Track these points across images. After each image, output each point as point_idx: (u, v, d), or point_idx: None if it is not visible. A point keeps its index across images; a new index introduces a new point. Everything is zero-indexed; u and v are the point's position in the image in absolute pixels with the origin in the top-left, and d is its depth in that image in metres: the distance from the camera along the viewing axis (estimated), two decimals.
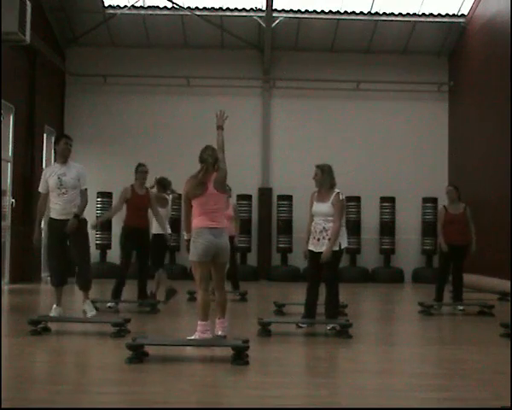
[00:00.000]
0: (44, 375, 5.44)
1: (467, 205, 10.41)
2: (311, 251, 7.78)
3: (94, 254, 16.36)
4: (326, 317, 7.67)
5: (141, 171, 9.63)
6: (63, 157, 8.23)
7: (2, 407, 4.10)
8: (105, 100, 17.13)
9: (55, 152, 8.66)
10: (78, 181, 8.12)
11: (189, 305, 10.46)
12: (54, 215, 8.19)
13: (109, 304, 9.45)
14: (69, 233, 7.97)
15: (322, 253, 7.59)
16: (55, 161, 17.10)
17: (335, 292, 7.69)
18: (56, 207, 8.12)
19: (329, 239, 7.58)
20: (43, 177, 8.23)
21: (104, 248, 16.32)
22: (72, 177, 8.10)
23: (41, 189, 8.23)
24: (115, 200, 10.07)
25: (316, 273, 7.80)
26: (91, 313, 8.00)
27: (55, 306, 8.13)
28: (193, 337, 6.47)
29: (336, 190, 7.86)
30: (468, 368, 5.83)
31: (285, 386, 5.06)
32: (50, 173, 8.16)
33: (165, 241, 9.85)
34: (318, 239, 7.69)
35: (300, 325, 7.77)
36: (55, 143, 8.49)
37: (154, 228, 9.97)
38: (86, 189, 8.20)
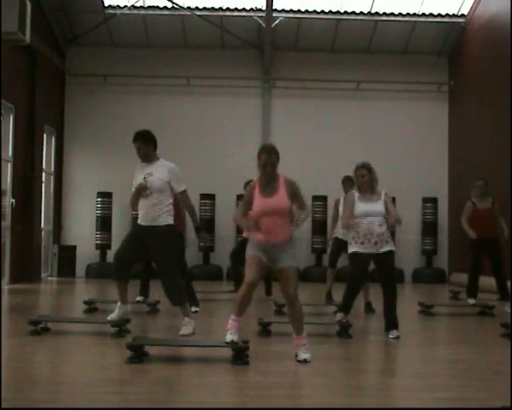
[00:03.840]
0: (44, 375, 5.44)
1: (494, 200, 10.49)
2: (359, 253, 7.49)
3: (95, 253, 16.43)
4: (390, 327, 7.45)
5: None
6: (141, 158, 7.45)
7: (2, 406, 4.09)
8: (105, 100, 17.13)
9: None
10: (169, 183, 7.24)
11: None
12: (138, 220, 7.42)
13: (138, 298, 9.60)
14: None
15: (381, 254, 7.40)
16: (54, 160, 17.18)
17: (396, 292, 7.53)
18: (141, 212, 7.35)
19: (387, 242, 7.44)
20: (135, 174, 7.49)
21: (104, 247, 16.32)
22: (159, 177, 7.24)
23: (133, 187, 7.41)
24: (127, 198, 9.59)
25: (363, 277, 7.90)
26: (186, 331, 7.06)
27: (119, 303, 7.45)
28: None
29: (381, 189, 7.85)
30: (468, 368, 5.82)
31: (285, 386, 5.06)
32: (137, 171, 7.47)
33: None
34: (376, 242, 7.43)
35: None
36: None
37: None
38: (184, 190, 7.34)
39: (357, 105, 17.36)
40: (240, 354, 5.54)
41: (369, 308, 9.62)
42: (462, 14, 16.68)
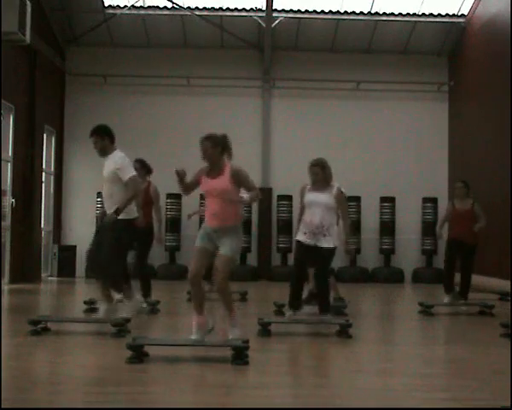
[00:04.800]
0: (44, 375, 5.44)
1: (475, 201, 10.32)
2: (300, 242, 7.79)
3: None
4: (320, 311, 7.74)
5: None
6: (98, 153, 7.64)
7: (2, 407, 4.09)
8: (105, 100, 17.12)
9: None
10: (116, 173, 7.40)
11: (189, 305, 10.47)
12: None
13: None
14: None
15: (317, 247, 7.60)
16: (55, 160, 17.20)
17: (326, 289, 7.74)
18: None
19: (324, 235, 7.59)
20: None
21: None
22: (108, 168, 7.46)
23: None
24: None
25: (304, 266, 7.95)
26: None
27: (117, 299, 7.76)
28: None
29: (336, 184, 7.84)
30: (468, 368, 5.82)
31: (285, 386, 5.06)
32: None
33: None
34: (314, 233, 7.65)
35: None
36: None
37: None
38: (130, 178, 7.40)
39: (357, 105, 17.36)
40: (240, 354, 5.54)
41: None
42: (462, 14, 16.68)
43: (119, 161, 7.44)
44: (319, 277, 7.77)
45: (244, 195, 6.40)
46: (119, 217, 7.33)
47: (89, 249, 7.69)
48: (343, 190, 7.96)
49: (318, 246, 7.67)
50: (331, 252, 7.70)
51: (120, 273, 7.64)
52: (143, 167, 9.40)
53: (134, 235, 7.82)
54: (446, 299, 10.19)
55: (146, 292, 9.36)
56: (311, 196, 7.82)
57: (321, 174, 7.82)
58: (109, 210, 7.42)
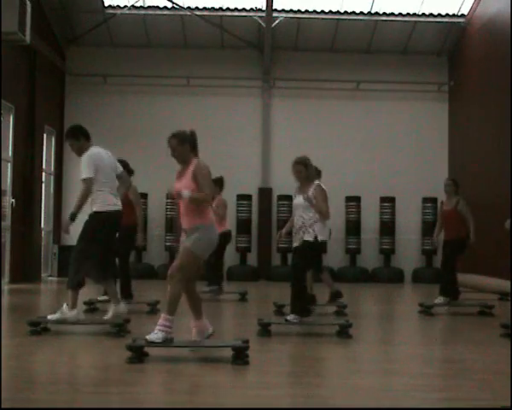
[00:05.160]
0: (44, 375, 5.44)
1: (460, 199, 10.12)
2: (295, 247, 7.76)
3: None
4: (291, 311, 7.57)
5: None
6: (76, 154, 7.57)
7: (2, 407, 4.09)
8: (105, 100, 17.12)
9: None
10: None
11: (188, 305, 10.47)
12: None
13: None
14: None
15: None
16: (55, 160, 17.17)
17: (300, 286, 7.55)
18: None
19: (304, 232, 7.53)
20: None
21: None
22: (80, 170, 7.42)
23: None
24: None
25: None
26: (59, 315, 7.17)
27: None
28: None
29: (316, 182, 7.79)
30: (467, 368, 5.82)
31: (285, 386, 5.06)
32: None
33: None
34: (298, 234, 7.63)
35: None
36: None
37: None
38: (83, 179, 7.27)
39: (357, 105, 17.36)
40: (240, 354, 5.54)
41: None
42: (462, 14, 16.68)
43: (84, 160, 7.33)
44: (294, 270, 7.60)
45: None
46: (95, 210, 7.33)
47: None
48: (323, 187, 7.83)
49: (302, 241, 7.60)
50: (310, 245, 7.50)
51: (93, 266, 7.53)
52: (125, 168, 9.40)
53: (111, 228, 7.62)
54: (440, 300, 10.02)
55: (126, 293, 9.34)
56: (295, 200, 7.84)
57: (304, 173, 7.70)
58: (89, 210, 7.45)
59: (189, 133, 6.11)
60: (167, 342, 5.73)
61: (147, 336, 5.71)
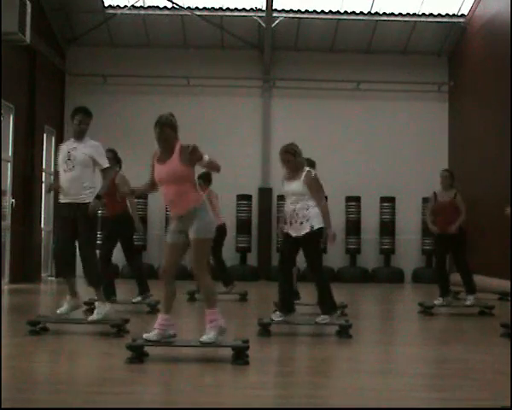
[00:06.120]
0: (44, 375, 5.44)
1: (457, 191, 9.98)
2: (288, 235, 7.40)
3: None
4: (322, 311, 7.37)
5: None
6: (77, 133, 7.39)
7: (2, 407, 4.09)
8: (105, 100, 17.12)
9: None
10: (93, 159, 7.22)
11: (188, 305, 10.49)
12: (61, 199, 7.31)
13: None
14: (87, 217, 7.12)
15: (297, 237, 7.29)
16: (54, 160, 17.13)
17: (324, 280, 7.40)
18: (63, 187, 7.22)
19: (301, 223, 7.26)
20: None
21: None
22: (84, 152, 7.20)
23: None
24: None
25: (289, 258, 7.54)
26: (97, 315, 7.18)
27: (68, 298, 7.36)
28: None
29: (306, 168, 7.53)
30: (468, 368, 5.82)
31: (285, 386, 5.06)
32: (61, 147, 7.46)
33: None
34: (291, 223, 7.36)
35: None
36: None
37: None
38: (107, 168, 7.32)
39: (357, 105, 17.36)
40: (240, 354, 5.54)
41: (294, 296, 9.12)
42: (462, 14, 16.68)
43: (97, 148, 7.33)
44: (315, 273, 7.36)
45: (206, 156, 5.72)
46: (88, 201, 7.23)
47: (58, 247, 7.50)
48: (313, 172, 7.57)
49: (299, 236, 7.33)
50: (311, 235, 7.25)
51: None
52: (115, 157, 9.45)
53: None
54: (440, 301, 9.86)
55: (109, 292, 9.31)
56: (285, 187, 7.54)
57: (293, 161, 7.47)
58: (77, 196, 7.15)
59: (173, 117, 6.04)
60: (221, 331, 5.68)
61: (205, 337, 5.62)
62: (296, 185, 7.42)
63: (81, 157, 7.17)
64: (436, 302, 9.72)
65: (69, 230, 7.23)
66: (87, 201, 7.15)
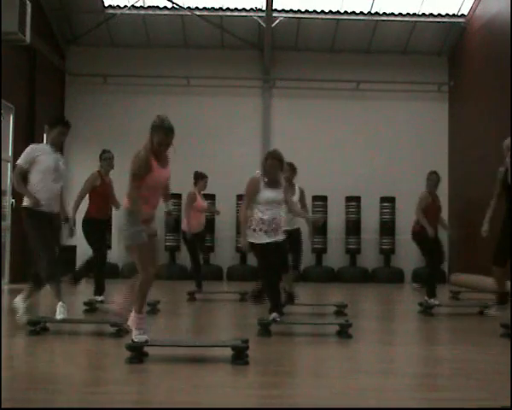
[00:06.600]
0: (44, 375, 5.43)
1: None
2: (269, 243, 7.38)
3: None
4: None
5: (105, 158, 9.39)
6: (56, 146, 7.56)
7: (2, 407, 4.09)
8: (105, 100, 17.14)
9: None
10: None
11: (188, 305, 10.49)
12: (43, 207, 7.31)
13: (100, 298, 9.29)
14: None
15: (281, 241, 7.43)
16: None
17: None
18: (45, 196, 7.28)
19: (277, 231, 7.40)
20: (30, 151, 7.39)
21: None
22: (65, 168, 7.64)
23: (23, 162, 7.30)
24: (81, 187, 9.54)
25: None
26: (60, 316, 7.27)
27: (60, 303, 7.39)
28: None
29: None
30: (468, 368, 5.82)
31: (285, 386, 5.06)
32: (43, 152, 7.42)
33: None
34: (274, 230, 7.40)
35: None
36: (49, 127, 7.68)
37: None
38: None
39: (357, 105, 17.37)
40: (240, 354, 5.54)
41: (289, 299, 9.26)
42: (462, 14, 16.69)
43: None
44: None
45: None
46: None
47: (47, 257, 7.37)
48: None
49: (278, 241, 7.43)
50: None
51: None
52: (112, 160, 9.51)
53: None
54: (436, 301, 9.89)
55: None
56: (269, 194, 7.52)
57: (278, 168, 7.51)
58: (56, 206, 7.49)
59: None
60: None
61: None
62: (279, 193, 7.54)
63: (65, 173, 7.69)
64: (432, 302, 9.72)
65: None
66: (25, 204, 7.36)
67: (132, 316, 5.75)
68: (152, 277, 5.77)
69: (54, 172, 7.35)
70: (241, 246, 7.58)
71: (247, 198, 7.62)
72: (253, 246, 7.41)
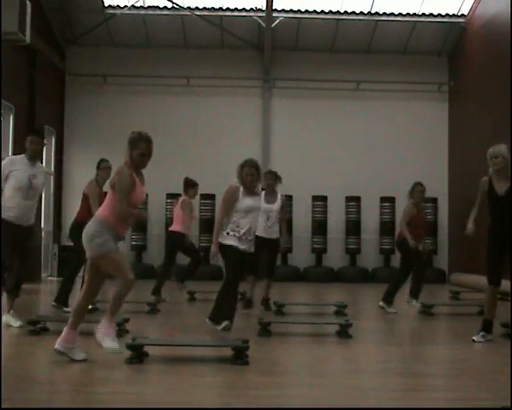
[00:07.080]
0: (44, 375, 5.44)
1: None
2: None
3: None
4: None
5: (104, 167, 9.34)
6: (32, 157, 7.41)
7: (2, 407, 4.09)
8: (105, 100, 17.13)
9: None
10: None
11: (188, 305, 10.49)
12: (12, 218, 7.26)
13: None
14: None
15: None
16: (55, 160, 17.13)
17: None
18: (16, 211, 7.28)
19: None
20: (4, 166, 7.27)
21: None
22: (42, 182, 7.50)
23: None
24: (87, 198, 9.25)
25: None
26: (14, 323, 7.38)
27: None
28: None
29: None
30: (468, 368, 5.82)
31: (285, 386, 5.06)
32: (19, 167, 7.30)
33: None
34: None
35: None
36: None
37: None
38: None
39: (357, 105, 17.36)
40: (240, 354, 5.53)
41: (266, 305, 9.52)
42: (462, 14, 16.69)
43: (46, 177, 7.67)
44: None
45: None
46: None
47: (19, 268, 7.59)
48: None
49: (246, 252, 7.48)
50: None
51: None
52: (110, 170, 9.35)
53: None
54: (416, 302, 10.08)
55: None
56: (256, 203, 7.66)
57: (256, 176, 7.82)
58: (30, 220, 7.51)
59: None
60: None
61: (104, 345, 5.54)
62: (257, 201, 7.66)
63: (40, 188, 7.60)
64: (386, 308, 9.78)
65: None
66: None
67: (104, 322, 5.54)
68: (133, 281, 5.56)
69: (26, 190, 7.28)
70: (211, 252, 7.44)
71: (224, 206, 7.51)
72: (220, 246, 7.37)
